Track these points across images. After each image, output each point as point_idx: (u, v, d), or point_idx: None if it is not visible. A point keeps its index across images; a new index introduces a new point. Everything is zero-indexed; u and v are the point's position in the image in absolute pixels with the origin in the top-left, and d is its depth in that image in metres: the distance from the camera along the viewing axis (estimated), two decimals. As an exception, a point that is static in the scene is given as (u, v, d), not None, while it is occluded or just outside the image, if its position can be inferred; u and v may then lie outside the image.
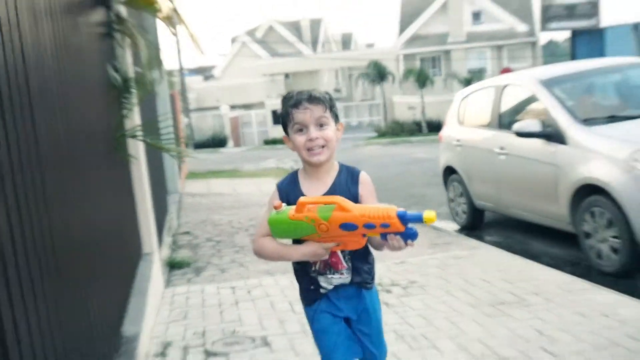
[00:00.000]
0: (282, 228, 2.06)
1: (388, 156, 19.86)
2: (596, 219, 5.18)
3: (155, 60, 4.80)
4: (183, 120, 22.06)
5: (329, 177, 2.18)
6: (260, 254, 2.21)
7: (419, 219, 1.85)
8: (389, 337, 3.73)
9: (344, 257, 2.17)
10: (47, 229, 2.10)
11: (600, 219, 5.13)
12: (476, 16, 37.66)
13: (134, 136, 4.52)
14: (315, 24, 47.86)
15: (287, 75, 41.61)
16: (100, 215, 3.30)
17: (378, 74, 33.39)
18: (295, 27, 47.28)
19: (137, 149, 4.83)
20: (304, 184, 2.19)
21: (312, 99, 2.09)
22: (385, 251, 2.07)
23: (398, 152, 20.87)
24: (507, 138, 6.42)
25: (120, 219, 4.04)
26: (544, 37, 38.08)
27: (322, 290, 2.21)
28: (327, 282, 2.20)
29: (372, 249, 2.23)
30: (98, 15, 4.14)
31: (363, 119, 38.05)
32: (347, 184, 2.17)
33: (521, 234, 6.87)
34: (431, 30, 37.72)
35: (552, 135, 5.69)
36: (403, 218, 1.85)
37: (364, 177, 2.21)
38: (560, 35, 34.59)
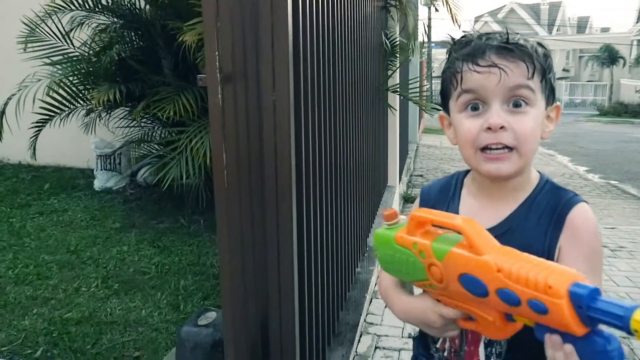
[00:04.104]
0: (387, 255, 0.88)
1: (608, 133, 17.58)
2: None
3: (415, 32, 4.79)
4: (426, 84, 21.86)
5: (514, 199, 0.93)
6: (385, 301, 1.03)
7: (619, 320, 0.58)
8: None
9: (491, 351, 0.93)
10: (334, 155, 2.28)
11: None
12: None
13: (395, 91, 4.61)
14: (554, 7, 43.20)
15: (520, 53, 38.56)
16: (368, 149, 3.47)
17: (609, 57, 29.63)
18: (534, 10, 43.22)
19: (395, 102, 4.93)
20: (467, 201, 1.00)
21: (508, 49, 0.87)
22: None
23: (618, 131, 18.34)
24: None
25: (378, 154, 4.19)
26: None
27: None
28: None
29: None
30: (380, -9, 4.22)
31: (587, 98, 33.96)
32: (540, 217, 0.90)
33: None
34: (673, 18, 31.84)
35: None
36: (578, 300, 0.60)
37: (579, 214, 0.89)
38: None
